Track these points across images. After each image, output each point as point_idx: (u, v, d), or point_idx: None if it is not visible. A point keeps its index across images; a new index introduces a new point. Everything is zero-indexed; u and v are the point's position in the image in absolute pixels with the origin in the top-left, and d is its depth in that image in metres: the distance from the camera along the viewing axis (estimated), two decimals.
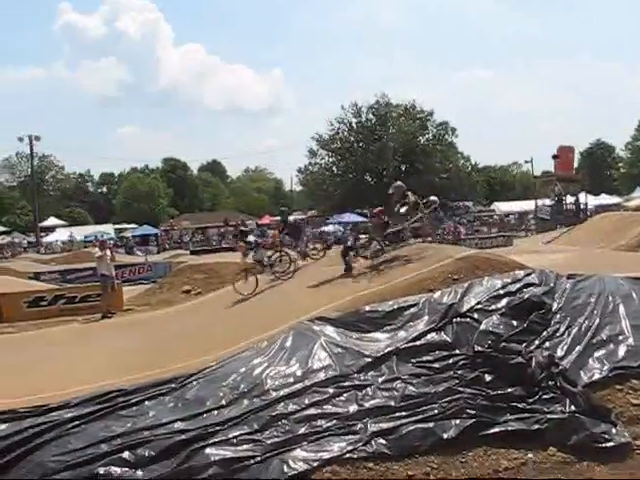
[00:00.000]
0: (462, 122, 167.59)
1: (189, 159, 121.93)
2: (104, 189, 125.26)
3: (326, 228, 64.97)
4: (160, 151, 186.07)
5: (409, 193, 17.06)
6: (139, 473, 9.52)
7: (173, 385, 10.79)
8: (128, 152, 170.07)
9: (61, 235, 79.31)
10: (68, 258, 52.08)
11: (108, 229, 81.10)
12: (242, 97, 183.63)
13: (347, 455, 9.93)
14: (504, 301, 12.75)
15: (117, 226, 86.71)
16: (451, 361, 11.54)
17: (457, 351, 11.73)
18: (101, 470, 9.50)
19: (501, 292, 12.93)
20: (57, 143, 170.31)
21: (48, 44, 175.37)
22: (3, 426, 10.06)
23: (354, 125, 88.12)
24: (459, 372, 11.36)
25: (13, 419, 10.23)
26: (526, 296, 12.92)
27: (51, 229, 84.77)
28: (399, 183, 17.71)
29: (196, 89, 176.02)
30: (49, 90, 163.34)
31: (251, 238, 20.36)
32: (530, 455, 10.23)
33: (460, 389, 11.07)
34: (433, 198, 17.85)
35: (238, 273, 19.24)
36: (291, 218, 18.71)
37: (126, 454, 9.68)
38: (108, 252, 21.56)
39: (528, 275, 13.53)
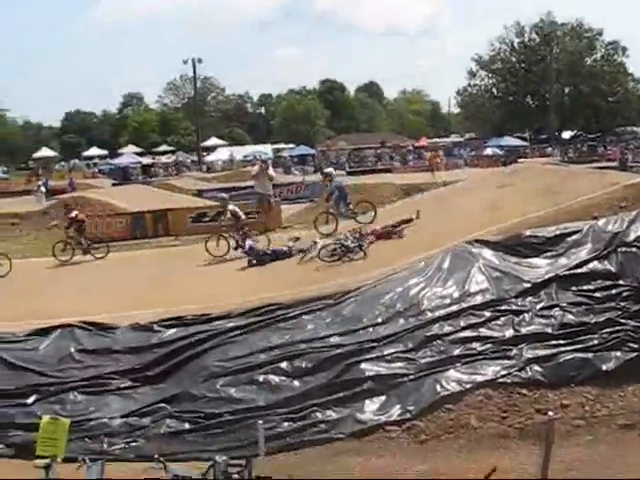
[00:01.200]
0: (635, 42, 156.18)
1: (346, 80, 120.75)
2: (262, 110, 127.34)
3: (485, 152, 63.60)
4: (317, 72, 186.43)
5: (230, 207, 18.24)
6: (295, 383, 9.95)
7: (331, 301, 11.06)
8: (286, 73, 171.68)
9: (222, 154, 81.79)
10: (228, 176, 53.71)
11: (266, 149, 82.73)
12: (399, 17, 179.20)
13: (501, 380, 9.91)
14: None
15: (275, 146, 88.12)
16: (614, 292, 11.10)
17: (621, 282, 11.25)
18: (260, 378, 10.00)
19: None
20: (218, 65, 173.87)
21: None
22: (172, 331, 10.75)
23: (516, 45, 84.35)
24: (622, 303, 10.92)
25: (180, 325, 10.90)
26: None
27: (212, 149, 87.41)
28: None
29: (353, 10, 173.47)
30: (210, 13, 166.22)
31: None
32: None
33: (622, 321, 10.67)
34: (327, 170, 19.46)
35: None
36: None
37: (284, 364, 10.13)
38: (271, 171, 21.96)
39: None
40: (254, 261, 15.89)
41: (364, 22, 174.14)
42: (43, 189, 43.20)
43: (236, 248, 17.34)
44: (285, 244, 16.60)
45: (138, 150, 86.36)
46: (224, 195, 20.24)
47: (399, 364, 10.07)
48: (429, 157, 53.00)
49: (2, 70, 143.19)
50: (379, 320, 10.66)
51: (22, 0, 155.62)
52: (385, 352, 10.17)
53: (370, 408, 9.66)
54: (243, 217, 18.29)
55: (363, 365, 10.02)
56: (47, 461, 6.64)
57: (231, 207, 18.42)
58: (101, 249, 19.93)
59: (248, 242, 16.57)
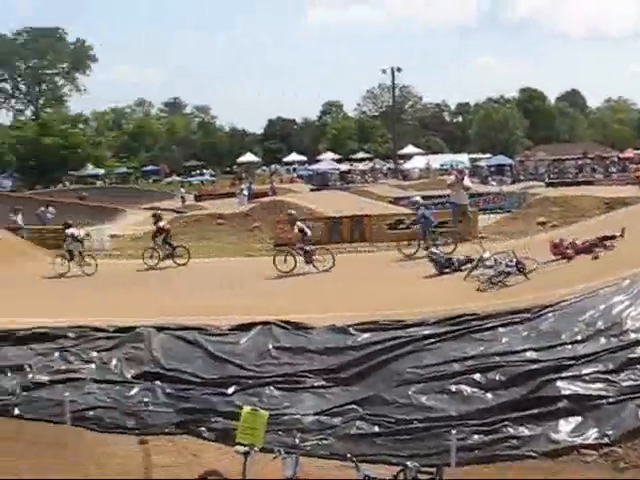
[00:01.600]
0: None
1: (547, 89, 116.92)
2: (459, 119, 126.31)
3: None
4: (516, 80, 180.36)
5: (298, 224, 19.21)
6: (488, 396, 9.78)
7: (528, 315, 10.77)
8: (484, 82, 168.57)
9: (418, 163, 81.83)
10: (424, 185, 53.68)
11: (463, 158, 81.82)
12: (605, 21, 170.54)
13: None
14: None
15: (472, 155, 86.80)
16: None
17: None
18: (452, 387, 9.92)
19: None
20: (415, 74, 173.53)
21: None
22: (366, 335, 10.93)
23: None
24: None
25: (375, 330, 11.05)
26: None
27: (408, 157, 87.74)
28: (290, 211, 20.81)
29: (553, 15, 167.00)
30: (408, 21, 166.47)
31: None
32: None
33: None
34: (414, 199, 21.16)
35: None
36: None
37: (477, 376, 9.99)
38: (467, 181, 21.77)
39: None
40: (445, 269, 15.85)
41: (565, 28, 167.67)
42: (245, 192, 45.35)
43: (307, 262, 18.37)
44: (466, 255, 16.45)
45: (336, 157, 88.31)
46: (292, 211, 21.24)
47: (598, 385, 9.61)
48: (634, 169, 50.15)
49: (211, 79, 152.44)
50: (578, 337, 10.24)
51: (229, 13, 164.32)
52: (583, 371, 9.75)
53: (565, 428, 9.29)
54: (309, 233, 19.29)
55: (559, 383, 9.66)
56: (246, 449, 7.02)
57: (299, 224, 19.30)
58: (184, 256, 21.35)
59: (434, 250, 16.66)
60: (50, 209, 34.82)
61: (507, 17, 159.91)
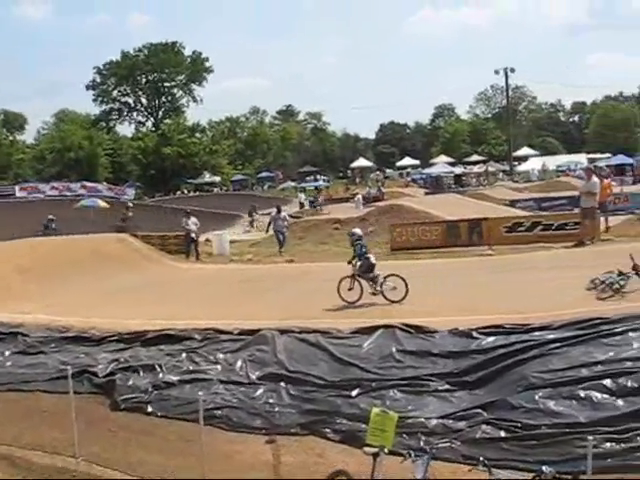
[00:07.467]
0: None
1: None
2: (575, 118, 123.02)
3: None
4: (635, 77, 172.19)
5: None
6: (619, 402, 9.40)
7: None
8: (600, 80, 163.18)
9: (533, 164, 79.88)
10: (542, 187, 52.61)
11: (580, 158, 79.36)
12: None
13: None
14: None
15: (590, 155, 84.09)
16: None
17: None
18: (581, 393, 9.60)
19: None
20: (529, 74, 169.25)
21: None
22: (491, 338, 10.78)
23: None
24: None
25: (499, 333, 10.88)
26: None
27: (523, 158, 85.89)
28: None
29: None
30: (518, 21, 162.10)
31: None
32: None
33: None
34: None
35: None
36: None
37: (607, 382, 9.61)
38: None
39: None
40: None
41: None
42: (359, 197, 45.76)
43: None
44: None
45: (450, 160, 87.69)
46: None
47: None
48: None
49: (322, 86, 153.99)
50: None
51: (340, 17, 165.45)
52: None
53: None
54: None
55: None
56: (376, 450, 7.04)
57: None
58: None
59: None
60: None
61: (623, 11, 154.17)
